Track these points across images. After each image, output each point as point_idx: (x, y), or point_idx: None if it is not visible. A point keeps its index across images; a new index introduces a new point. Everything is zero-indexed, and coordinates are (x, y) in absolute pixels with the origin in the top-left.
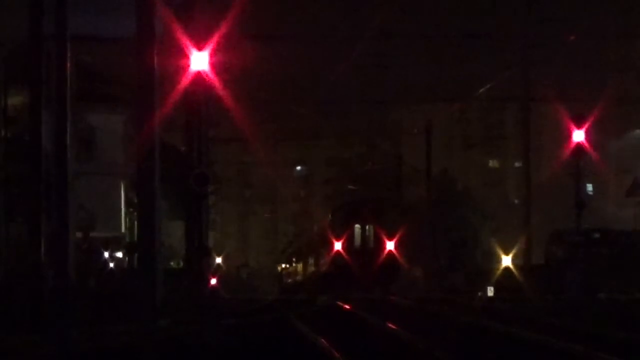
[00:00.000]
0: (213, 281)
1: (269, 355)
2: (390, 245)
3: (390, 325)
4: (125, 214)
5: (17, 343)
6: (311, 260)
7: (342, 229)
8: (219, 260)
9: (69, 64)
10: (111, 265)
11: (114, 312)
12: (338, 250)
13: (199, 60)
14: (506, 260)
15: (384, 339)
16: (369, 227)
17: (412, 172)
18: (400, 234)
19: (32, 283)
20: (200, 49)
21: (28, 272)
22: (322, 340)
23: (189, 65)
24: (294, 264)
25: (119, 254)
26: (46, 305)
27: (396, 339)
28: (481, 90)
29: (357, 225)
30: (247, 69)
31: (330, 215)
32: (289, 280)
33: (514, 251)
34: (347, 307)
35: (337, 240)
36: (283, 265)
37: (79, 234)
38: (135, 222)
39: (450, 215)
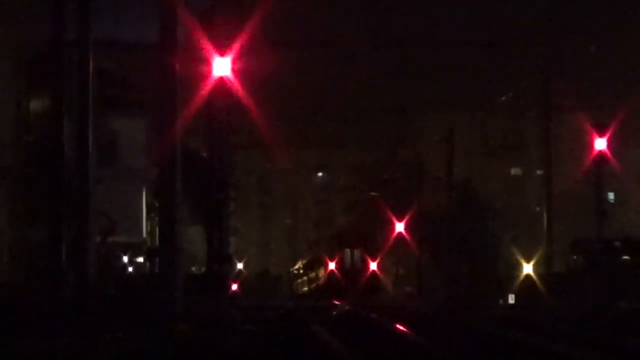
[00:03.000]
0: (234, 287)
1: None
2: (373, 266)
3: (402, 328)
4: (147, 219)
5: (37, 349)
6: (312, 275)
7: (335, 252)
8: (240, 266)
9: (91, 70)
10: (130, 269)
11: (133, 317)
12: (332, 269)
13: (221, 66)
14: (527, 268)
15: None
16: (356, 252)
17: (433, 180)
18: (381, 257)
19: (52, 289)
20: (222, 55)
21: (48, 278)
22: (339, 344)
23: (211, 71)
24: (302, 277)
25: (140, 259)
26: (66, 311)
27: (410, 344)
28: (503, 99)
29: (347, 250)
30: (269, 76)
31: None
32: (305, 289)
33: (535, 259)
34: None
35: (331, 260)
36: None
37: (97, 239)
38: (157, 227)
39: (471, 223)
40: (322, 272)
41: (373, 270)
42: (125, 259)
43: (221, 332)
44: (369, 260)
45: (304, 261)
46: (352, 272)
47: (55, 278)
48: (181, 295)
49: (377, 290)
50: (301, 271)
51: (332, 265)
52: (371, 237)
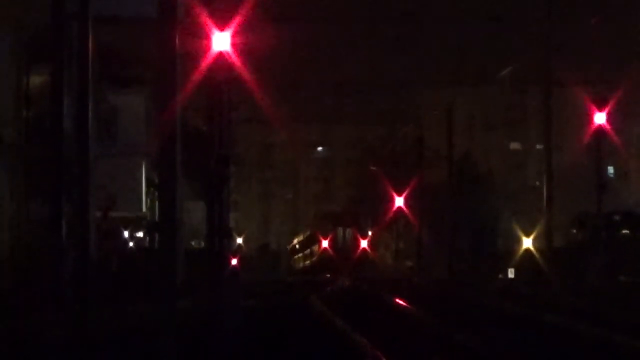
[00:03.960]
0: (234, 261)
1: (288, 337)
2: (363, 244)
3: (401, 302)
4: (146, 193)
5: (37, 324)
6: (308, 251)
7: (328, 231)
8: (239, 240)
9: (90, 45)
10: (131, 244)
11: (133, 293)
12: (325, 247)
13: (221, 41)
14: (527, 243)
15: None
16: (348, 231)
17: (434, 154)
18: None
19: (53, 265)
20: (222, 29)
21: (49, 253)
22: (340, 322)
23: (210, 46)
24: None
25: (140, 234)
26: (66, 287)
27: (409, 316)
28: (503, 73)
29: (339, 229)
30: (269, 51)
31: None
32: (301, 265)
33: (534, 233)
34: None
35: (325, 239)
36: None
37: (98, 214)
38: (157, 202)
39: (472, 198)
40: (316, 249)
41: (363, 248)
42: (126, 233)
43: (222, 309)
44: (360, 238)
45: (300, 238)
46: (344, 249)
47: (56, 253)
48: (181, 272)
49: (368, 266)
50: (297, 247)
51: (325, 244)
52: (362, 217)
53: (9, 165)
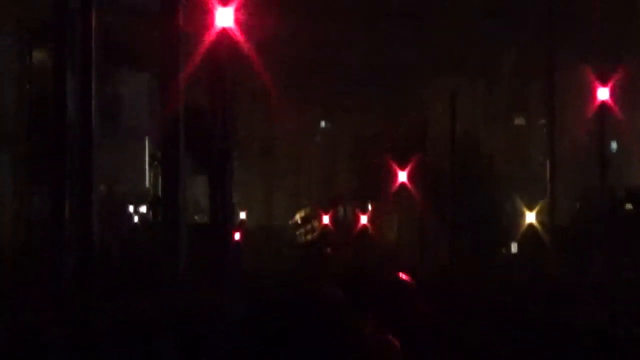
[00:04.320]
0: (237, 236)
1: (291, 321)
2: (364, 220)
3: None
4: (149, 167)
5: (36, 323)
6: (309, 227)
7: (329, 208)
8: (243, 215)
9: (94, 26)
10: (135, 219)
11: (137, 280)
12: (326, 223)
13: (224, 17)
14: (530, 217)
15: None
16: (348, 207)
17: (437, 136)
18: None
19: (55, 255)
20: (225, 4)
21: (53, 232)
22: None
23: (213, 22)
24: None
25: (143, 209)
26: (67, 285)
27: None
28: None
29: (340, 206)
30: (272, 29)
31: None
32: (302, 239)
33: (537, 208)
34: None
35: (325, 214)
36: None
37: (102, 188)
38: (160, 177)
39: (473, 173)
40: (317, 225)
41: (363, 224)
42: (131, 208)
43: (225, 299)
44: (360, 214)
45: (302, 214)
46: (344, 225)
47: (60, 233)
48: (184, 248)
49: (367, 242)
50: (299, 222)
51: (326, 219)
52: (362, 194)
53: (11, 160)
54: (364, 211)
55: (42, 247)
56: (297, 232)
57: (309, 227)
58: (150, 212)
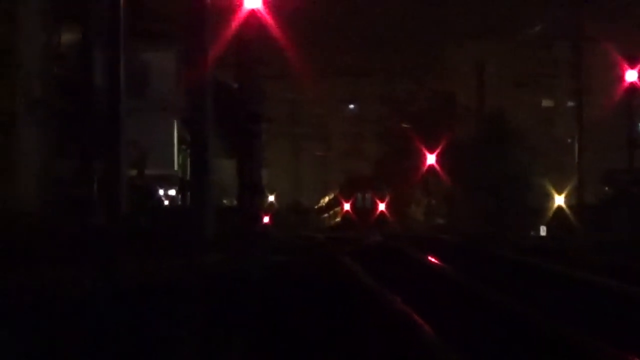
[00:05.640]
0: (265, 219)
1: (312, 292)
2: (381, 207)
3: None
4: (178, 151)
5: (60, 277)
6: (332, 212)
7: (349, 195)
8: (271, 198)
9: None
10: (166, 202)
11: (163, 248)
12: (347, 210)
13: None
14: (559, 200)
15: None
16: (367, 195)
17: (464, 111)
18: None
19: (82, 220)
20: None
21: (79, 209)
22: (368, 277)
23: (241, 2)
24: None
25: (172, 192)
26: (93, 241)
27: (439, 274)
28: (536, 29)
29: (359, 194)
30: (299, 6)
31: (339, 188)
32: (327, 224)
33: (566, 191)
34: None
35: (346, 202)
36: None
37: (133, 172)
38: (188, 160)
39: (501, 154)
40: (339, 211)
41: (381, 211)
42: (161, 191)
43: (248, 264)
44: (378, 202)
45: (327, 199)
46: (363, 212)
47: (86, 208)
48: (212, 227)
49: (385, 227)
50: (324, 206)
51: (347, 206)
52: (379, 183)
53: (38, 121)
54: (382, 198)
55: (68, 206)
56: (325, 215)
57: (331, 212)
58: (180, 196)
